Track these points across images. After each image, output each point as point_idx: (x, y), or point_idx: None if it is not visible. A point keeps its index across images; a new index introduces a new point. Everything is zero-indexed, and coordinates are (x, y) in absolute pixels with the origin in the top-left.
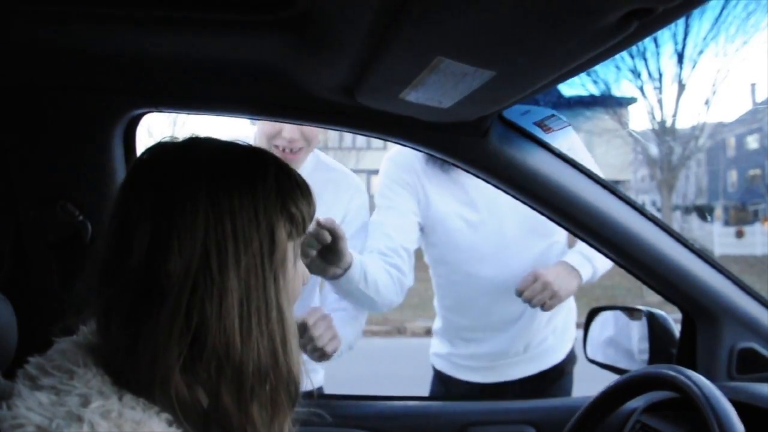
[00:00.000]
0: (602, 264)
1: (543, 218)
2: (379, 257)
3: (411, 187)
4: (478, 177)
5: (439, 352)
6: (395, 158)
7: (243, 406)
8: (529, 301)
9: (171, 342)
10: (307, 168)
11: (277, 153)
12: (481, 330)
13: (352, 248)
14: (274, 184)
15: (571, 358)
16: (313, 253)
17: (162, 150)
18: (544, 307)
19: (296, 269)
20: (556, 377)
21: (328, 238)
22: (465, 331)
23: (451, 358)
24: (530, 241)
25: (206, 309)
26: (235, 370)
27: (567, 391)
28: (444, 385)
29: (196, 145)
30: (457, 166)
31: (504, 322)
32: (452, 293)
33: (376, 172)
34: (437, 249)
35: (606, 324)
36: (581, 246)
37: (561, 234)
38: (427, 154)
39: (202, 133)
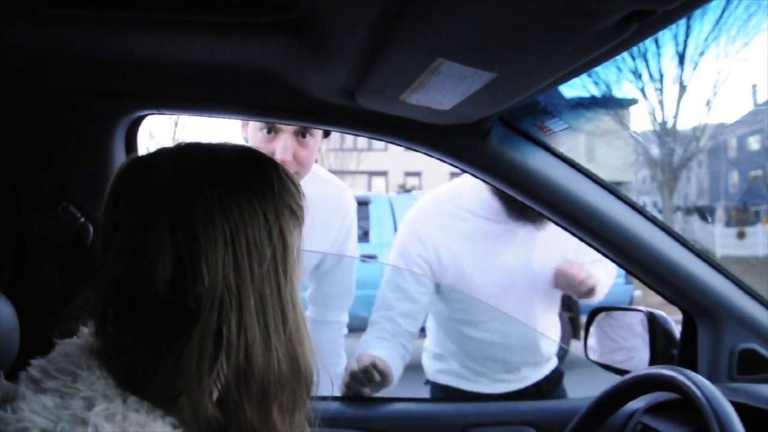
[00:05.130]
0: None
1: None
2: (389, 336)
3: (425, 262)
4: (479, 178)
5: (439, 369)
6: (415, 227)
7: (264, 413)
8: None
9: (203, 363)
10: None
11: None
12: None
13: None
14: (275, 185)
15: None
16: (367, 391)
17: (159, 165)
18: (582, 293)
19: (299, 261)
20: (553, 385)
21: (378, 378)
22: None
23: (447, 364)
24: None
25: (231, 327)
26: (259, 382)
27: (564, 396)
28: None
29: (192, 157)
30: (459, 168)
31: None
32: (452, 341)
33: (377, 173)
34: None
35: (606, 325)
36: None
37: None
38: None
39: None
